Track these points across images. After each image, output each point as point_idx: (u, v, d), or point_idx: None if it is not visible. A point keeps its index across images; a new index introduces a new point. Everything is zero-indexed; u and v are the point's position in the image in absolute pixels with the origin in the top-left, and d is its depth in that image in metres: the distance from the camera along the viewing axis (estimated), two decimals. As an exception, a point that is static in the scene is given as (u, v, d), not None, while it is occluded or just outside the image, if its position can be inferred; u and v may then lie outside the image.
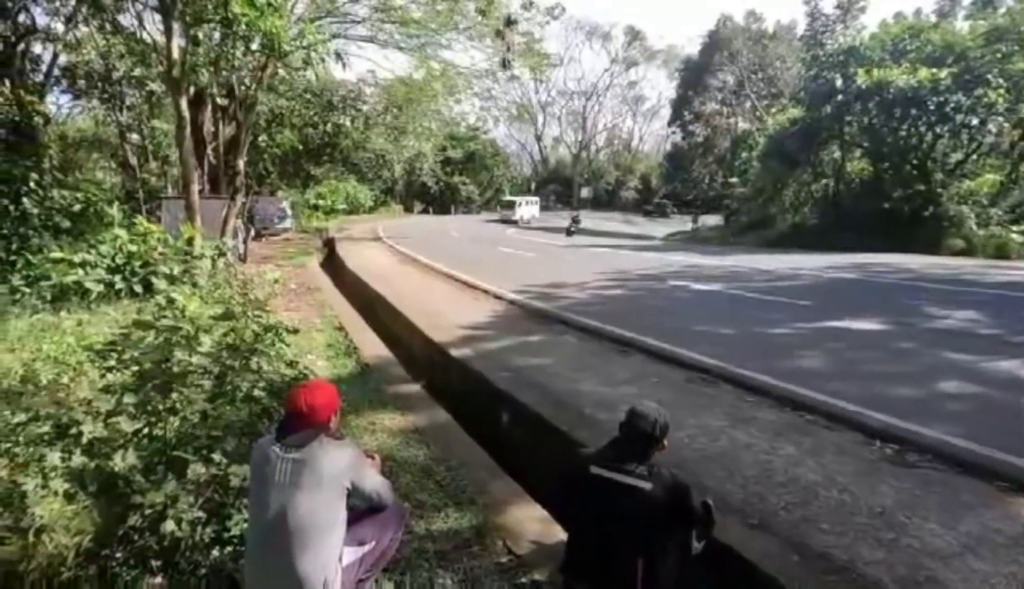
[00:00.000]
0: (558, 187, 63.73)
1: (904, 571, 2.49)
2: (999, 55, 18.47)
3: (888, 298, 9.53)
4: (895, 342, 6.49)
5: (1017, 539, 2.72)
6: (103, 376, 3.21)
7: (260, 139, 23.84)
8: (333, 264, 17.15)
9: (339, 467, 2.18)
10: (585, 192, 61.77)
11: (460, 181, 51.74)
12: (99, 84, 21.16)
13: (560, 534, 2.93)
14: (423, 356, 7.12)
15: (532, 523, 3.19)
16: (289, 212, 25.93)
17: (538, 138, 67.89)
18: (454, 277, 12.26)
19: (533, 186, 64.01)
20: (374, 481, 2.35)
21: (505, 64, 13.57)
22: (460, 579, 2.69)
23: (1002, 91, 18.21)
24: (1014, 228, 18.33)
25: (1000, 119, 19.94)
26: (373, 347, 7.27)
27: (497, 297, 9.82)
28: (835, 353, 6.06)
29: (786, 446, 3.80)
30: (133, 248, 9.02)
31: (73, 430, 2.63)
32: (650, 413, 2.49)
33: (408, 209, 48.97)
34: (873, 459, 3.61)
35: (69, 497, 2.49)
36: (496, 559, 2.86)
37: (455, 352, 6.42)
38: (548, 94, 64.15)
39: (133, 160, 23.41)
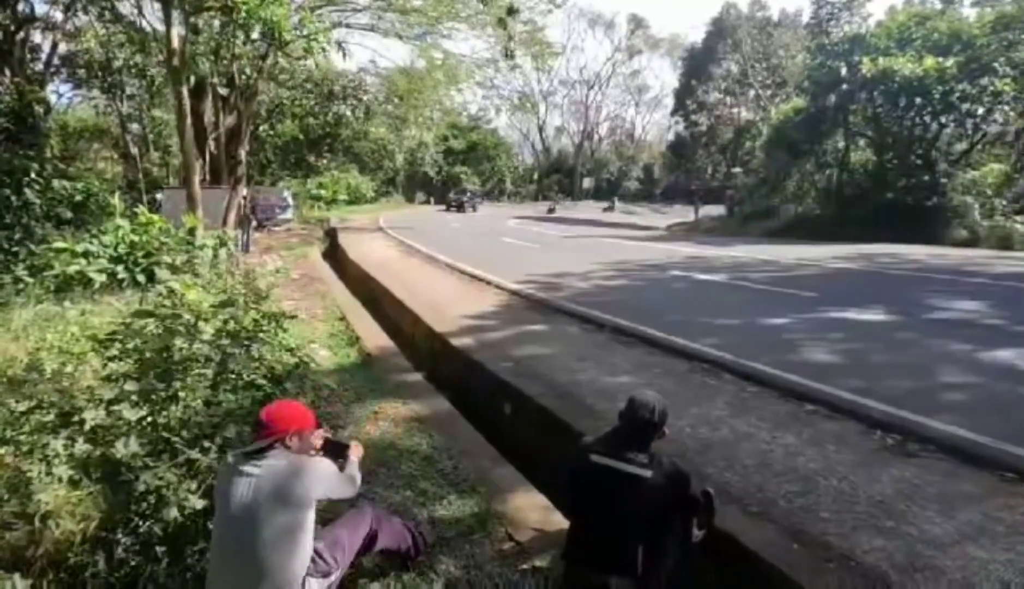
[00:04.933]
0: (561, 177, 63.43)
1: (902, 559, 2.51)
2: (1006, 43, 18.23)
3: (892, 289, 9.50)
4: (898, 332, 6.48)
5: (1017, 527, 2.72)
6: (105, 365, 3.23)
7: (261, 129, 23.83)
8: (335, 255, 17.16)
9: (299, 488, 2.08)
10: (588, 182, 61.47)
11: (462, 171, 51.56)
12: (99, 73, 21.11)
13: (562, 521, 2.95)
14: (425, 346, 7.13)
15: (534, 510, 3.21)
16: (291, 203, 25.87)
17: (540, 128, 67.51)
18: (457, 268, 12.25)
19: (535, 176, 63.76)
20: (339, 490, 2.30)
21: (507, 54, 13.48)
22: (462, 565, 2.71)
23: (1008, 80, 17.99)
24: (1018, 219, 18.19)
25: (1006, 108, 19.72)
26: (375, 337, 7.29)
27: (500, 288, 9.82)
28: (838, 344, 6.05)
29: (787, 436, 3.81)
30: (135, 238, 9.03)
31: (76, 418, 2.65)
32: (649, 401, 2.51)
33: (410, 199, 48.88)
34: (874, 449, 3.61)
35: (73, 483, 2.51)
36: (498, 546, 2.88)
37: (457, 342, 6.43)
38: (550, 83, 63.71)
39: (134, 150, 23.40)
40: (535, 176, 63.71)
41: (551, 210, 39.89)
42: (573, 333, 6.78)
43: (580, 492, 2.53)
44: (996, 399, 4.43)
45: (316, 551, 2.18)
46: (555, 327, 7.09)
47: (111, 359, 3.12)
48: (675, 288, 10.09)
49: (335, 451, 2.51)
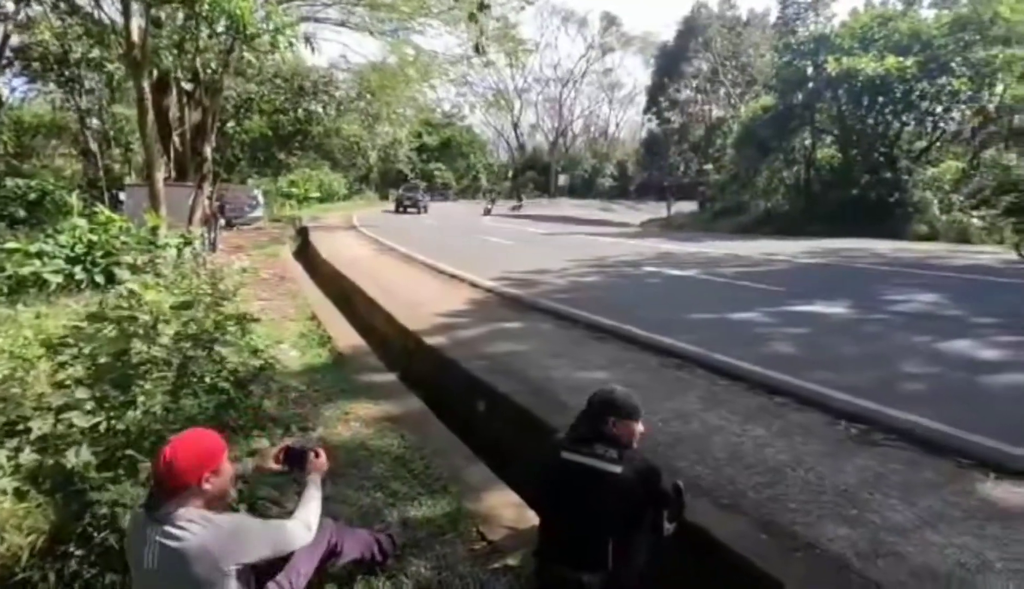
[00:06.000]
0: (535, 174, 63.53)
1: (866, 546, 2.56)
2: (962, 44, 18.92)
3: (857, 283, 9.77)
4: (863, 325, 6.66)
5: (972, 512, 2.81)
6: (56, 371, 3.08)
7: (228, 125, 23.22)
8: (307, 254, 16.86)
9: (206, 570, 1.76)
10: (562, 179, 61.70)
11: (436, 168, 51.24)
12: (55, 66, 20.26)
13: (535, 519, 2.93)
14: (398, 345, 7.04)
15: (506, 509, 3.19)
16: (261, 201, 25.32)
17: (515, 125, 67.50)
18: (431, 266, 12.15)
19: (510, 173, 63.75)
20: (270, 542, 1.98)
21: (479, 49, 13.42)
22: (433, 566, 2.67)
23: (965, 79, 18.68)
24: (975, 213, 18.91)
25: (963, 107, 20.48)
26: (347, 337, 7.17)
27: (475, 285, 9.77)
28: (806, 337, 6.18)
29: (756, 428, 3.86)
30: (94, 237, 8.69)
31: (22, 427, 2.52)
32: (600, 391, 2.55)
33: (384, 197, 48.34)
34: (839, 439, 3.69)
35: (20, 495, 2.38)
36: (470, 546, 2.85)
37: (430, 340, 6.37)
38: (524, 80, 63.75)
39: (94, 146, 22.56)
40: (510, 173, 63.65)
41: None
42: (547, 330, 6.78)
43: (551, 488, 2.52)
44: (955, 388, 4.58)
45: None
46: (530, 324, 7.08)
47: (62, 365, 2.98)
48: (649, 284, 10.19)
49: (295, 462, 2.34)
